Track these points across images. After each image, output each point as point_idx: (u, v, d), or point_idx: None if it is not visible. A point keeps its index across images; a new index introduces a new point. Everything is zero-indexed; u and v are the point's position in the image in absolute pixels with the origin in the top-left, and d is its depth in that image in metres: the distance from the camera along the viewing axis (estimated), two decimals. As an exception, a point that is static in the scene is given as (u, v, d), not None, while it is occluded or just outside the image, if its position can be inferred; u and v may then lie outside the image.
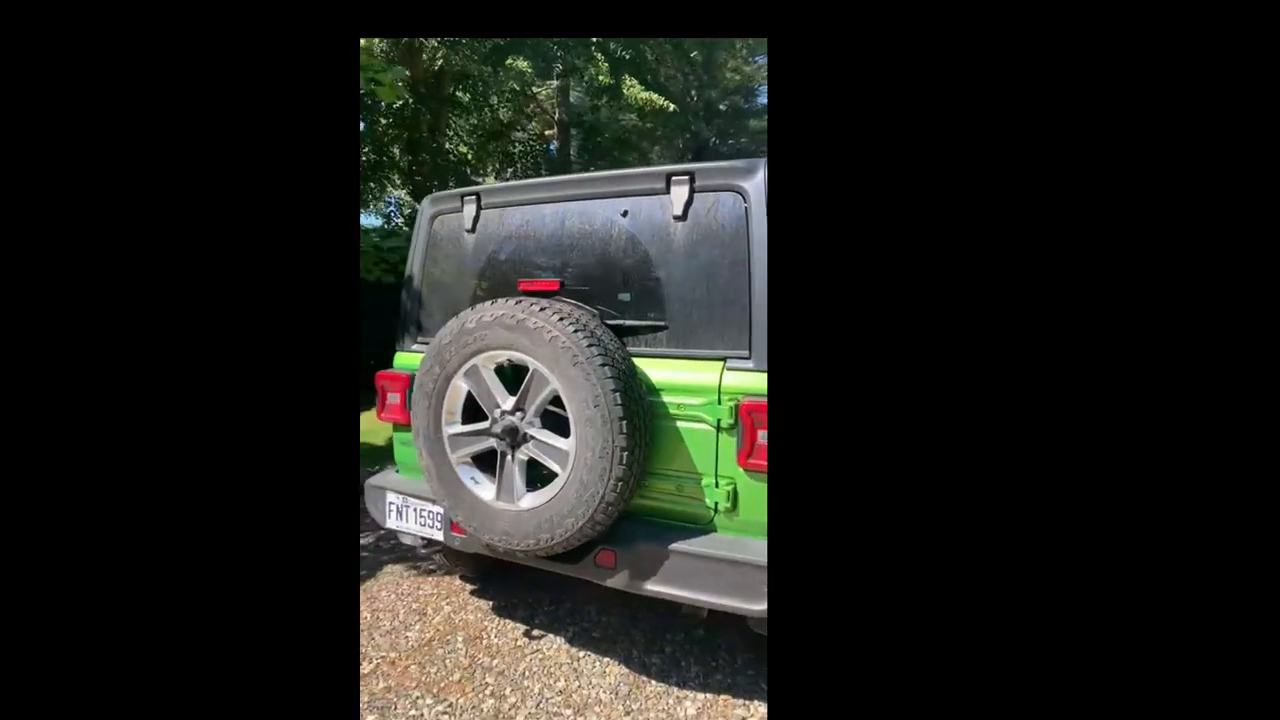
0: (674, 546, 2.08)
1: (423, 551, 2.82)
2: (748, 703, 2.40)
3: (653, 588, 2.12)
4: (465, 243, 2.65)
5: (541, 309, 2.07)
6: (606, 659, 2.66)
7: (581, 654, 2.70)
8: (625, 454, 1.95)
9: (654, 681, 2.52)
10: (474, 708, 2.34)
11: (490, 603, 3.09)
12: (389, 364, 2.84)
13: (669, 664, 2.65)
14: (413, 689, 2.44)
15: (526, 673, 2.56)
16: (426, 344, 2.59)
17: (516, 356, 2.12)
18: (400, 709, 2.34)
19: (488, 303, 2.21)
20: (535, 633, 2.85)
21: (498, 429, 2.18)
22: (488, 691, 2.44)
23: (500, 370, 2.22)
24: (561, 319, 2.03)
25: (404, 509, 2.64)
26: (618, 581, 2.17)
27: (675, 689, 2.48)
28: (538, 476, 2.20)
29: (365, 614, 3.00)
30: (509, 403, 2.17)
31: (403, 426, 2.72)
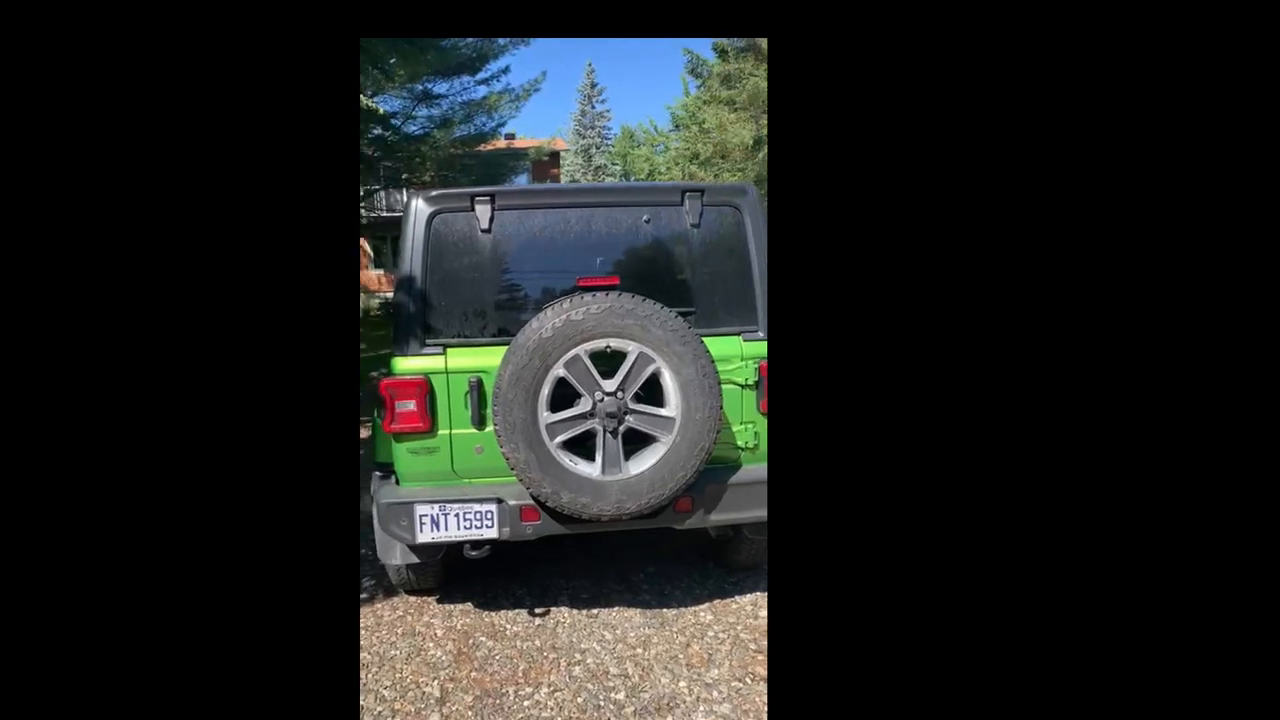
0: (730, 480, 2.65)
1: (473, 554, 2.66)
2: (741, 597, 3.10)
3: (717, 518, 2.65)
4: (480, 243, 2.61)
5: (642, 300, 2.37)
6: (616, 608, 3.03)
7: (594, 611, 3.00)
8: (719, 411, 2.45)
9: (670, 608, 3.01)
10: (569, 679, 2.52)
11: (465, 606, 3.08)
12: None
13: (677, 593, 3.16)
14: (502, 688, 2.47)
15: (570, 639, 2.78)
16: (439, 345, 2.53)
17: (618, 342, 2.37)
18: (514, 701, 2.38)
19: (583, 296, 2.37)
20: (538, 610, 3.01)
21: (602, 410, 2.39)
22: (561, 664, 2.61)
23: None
24: (662, 307, 2.38)
25: (441, 517, 2.53)
26: (693, 521, 2.63)
27: (688, 607, 3.02)
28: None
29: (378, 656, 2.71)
30: (611, 384, 2.40)
31: (411, 435, 2.56)
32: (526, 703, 2.38)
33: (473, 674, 2.54)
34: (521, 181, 16.45)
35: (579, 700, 2.38)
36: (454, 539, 2.55)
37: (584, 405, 2.41)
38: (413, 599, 3.13)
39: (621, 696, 2.40)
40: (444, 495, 2.55)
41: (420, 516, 2.52)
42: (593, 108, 34.23)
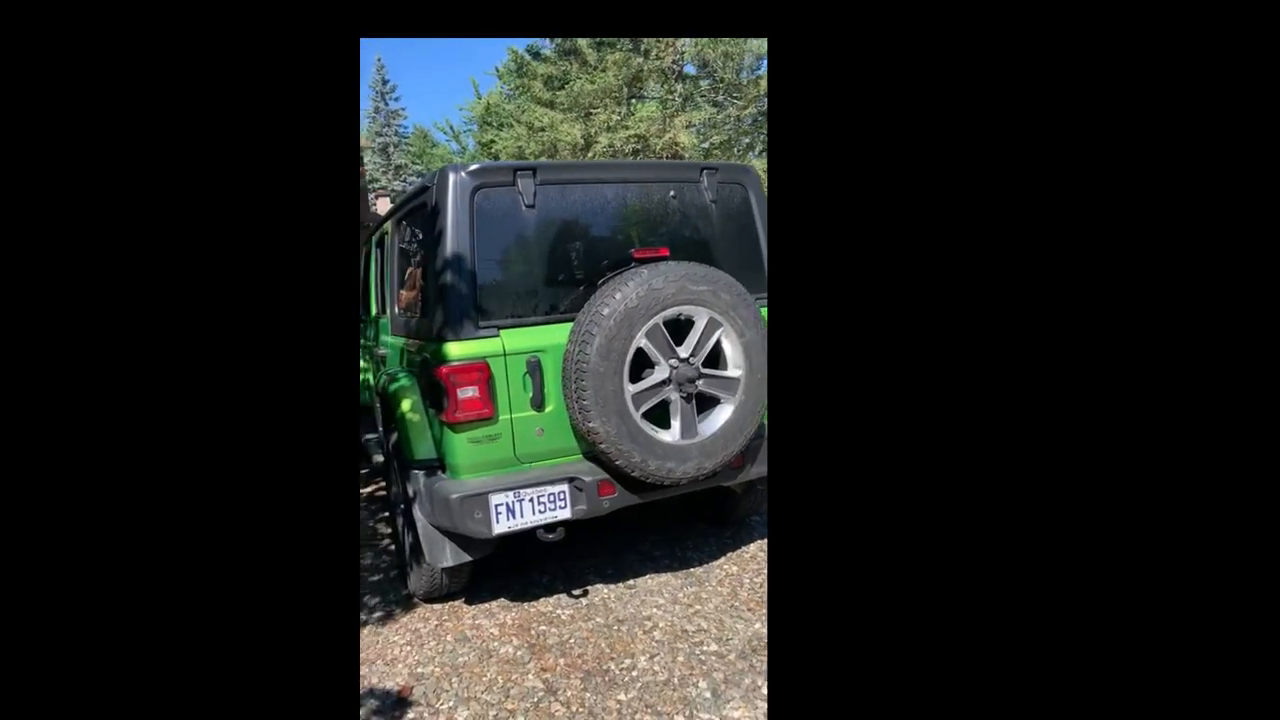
0: (763, 435, 2.89)
1: (549, 538, 2.50)
2: (747, 547, 3.37)
3: (757, 470, 2.87)
4: (526, 219, 2.52)
5: (710, 267, 2.51)
6: (646, 575, 3.12)
7: (630, 583, 3.06)
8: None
9: (695, 567, 3.18)
10: (657, 644, 2.58)
11: (500, 602, 2.95)
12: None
13: (692, 554, 3.31)
14: (602, 665, 2.45)
15: (629, 610, 2.82)
16: (493, 327, 2.46)
17: (690, 309, 2.47)
18: (619, 674, 2.39)
19: (659, 265, 2.43)
20: (575, 592, 2.99)
21: (678, 376, 2.48)
22: (639, 633, 2.66)
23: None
24: (726, 274, 2.54)
25: (516, 505, 2.42)
26: (745, 475, 2.81)
27: (712, 563, 3.21)
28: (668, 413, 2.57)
29: (448, 667, 2.49)
30: (686, 350, 2.49)
31: (473, 423, 2.43)
32: (634, 672, 2.40)
33: (562, 661, 2.49)
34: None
35: (680, 658, 2.45)
36: (530, 525, 2.47)
37: (660, 373, 2.48)
38: (437, 607, 2.93)
39: (715, 646, 2.52)
40: (514, 481, 2.46)
41: (496, 506, 2.41)
42: (386, 105, 32.18)
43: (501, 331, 2.49)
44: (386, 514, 4.03)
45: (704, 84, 11.22)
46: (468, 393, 2.39)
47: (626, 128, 10.17)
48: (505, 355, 2.48)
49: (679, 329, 2.48)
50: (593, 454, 2.62)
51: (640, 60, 10.65)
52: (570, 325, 2.49)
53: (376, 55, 33.57)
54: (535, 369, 2.52)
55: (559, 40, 11.17)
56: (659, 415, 2.50)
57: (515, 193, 2.52)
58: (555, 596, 2.97)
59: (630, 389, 2.40)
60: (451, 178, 2.45)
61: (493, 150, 11.98)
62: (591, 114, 10.59)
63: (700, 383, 2.54)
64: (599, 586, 3.04)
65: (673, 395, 2.50)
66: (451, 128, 17.87)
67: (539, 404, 2.54)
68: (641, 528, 3.60)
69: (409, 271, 3.14)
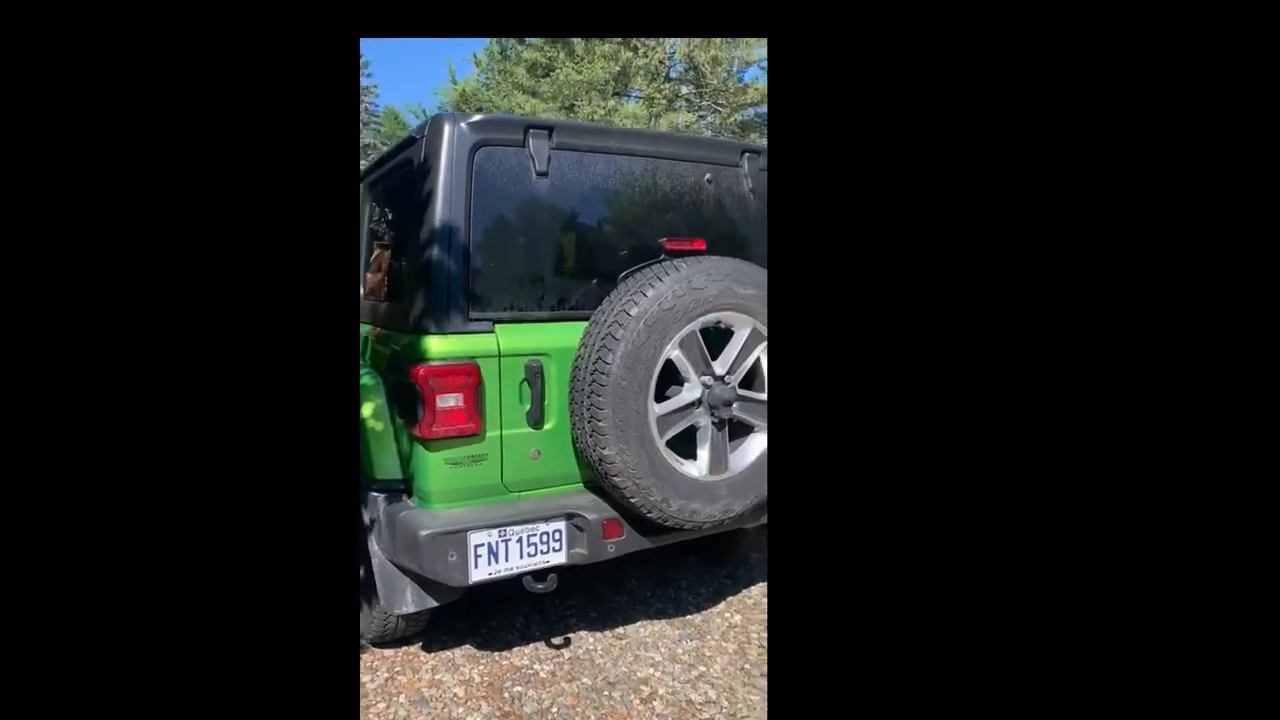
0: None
1: (538, 588, 2.01)
2: (750, 590, 2.96)
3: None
4: (536, 189, 2.04)
5: (760, 268, 2.07)
6: (637, 622, 2.68)
7: (619, 631, 2.61)
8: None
9: (692, 614, 2.75)
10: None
11: (463, 650, 2.45)
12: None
13: (685, 596, 2.88)
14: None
15: (619, 669, 2.37)
16: (486, 320, 1.98)
17: (730, 317, 2.04)
18: (623, 761, 1.93)
19: (700, 261, 1.98)
20: (555, 640, 2.53)
21: (711, 398, 2.03)
22: (634, 702, 2.20)
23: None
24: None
25: (501, 546, 1.94)
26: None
27: (710, 609, 2.79)
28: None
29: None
30: (721, 367, 2.05)
31: (453, 440, 1.94)
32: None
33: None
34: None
35: (689, 742, 2.01)
36: (515, 571, 1.99)
37: (690, 393, 2.03)
38: (389, 653, 2.41)
39: (727, 728, 2.09)
40: (501, 516, 1.97)
41: (476, 547, 1.92)
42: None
43: (497, 327, 2.01)
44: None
45: (685, 90, 10.89)
46: (449, 401, 1.89)
47: (611, 124, 9.74)
48: (500, 356, 2.00)
49: (710, 340, 2.05)
50: (594, 483, 2.16)
51: (629, 55, 10.24)
52: (583, 326, 2.02)
53: (349, 26, 32.34)
54: (536, 376, 2.04)
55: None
56: (680, 443, 2.06)
57: (525, 155, 2.04)
58: (532, 646, 2.49)
59: (655, 410, 1.95)
60: (447, 128, 1.96)
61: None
62: (575, 107, 10.11)
63: (736, 406, 2.09)
64: (583, 634, 2.57)
65: (703, 420, 2.06)
66: (424, 111, 17.19)
67: (537, 420, 2.07)
68: (624, 560, 3.13)
69: (376, 250, 2.62)
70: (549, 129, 2.07)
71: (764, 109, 12.18)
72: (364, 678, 2.27)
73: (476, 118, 1.99)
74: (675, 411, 2.01)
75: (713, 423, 2.07)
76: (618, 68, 10.27)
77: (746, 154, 2.44)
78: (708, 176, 2.36)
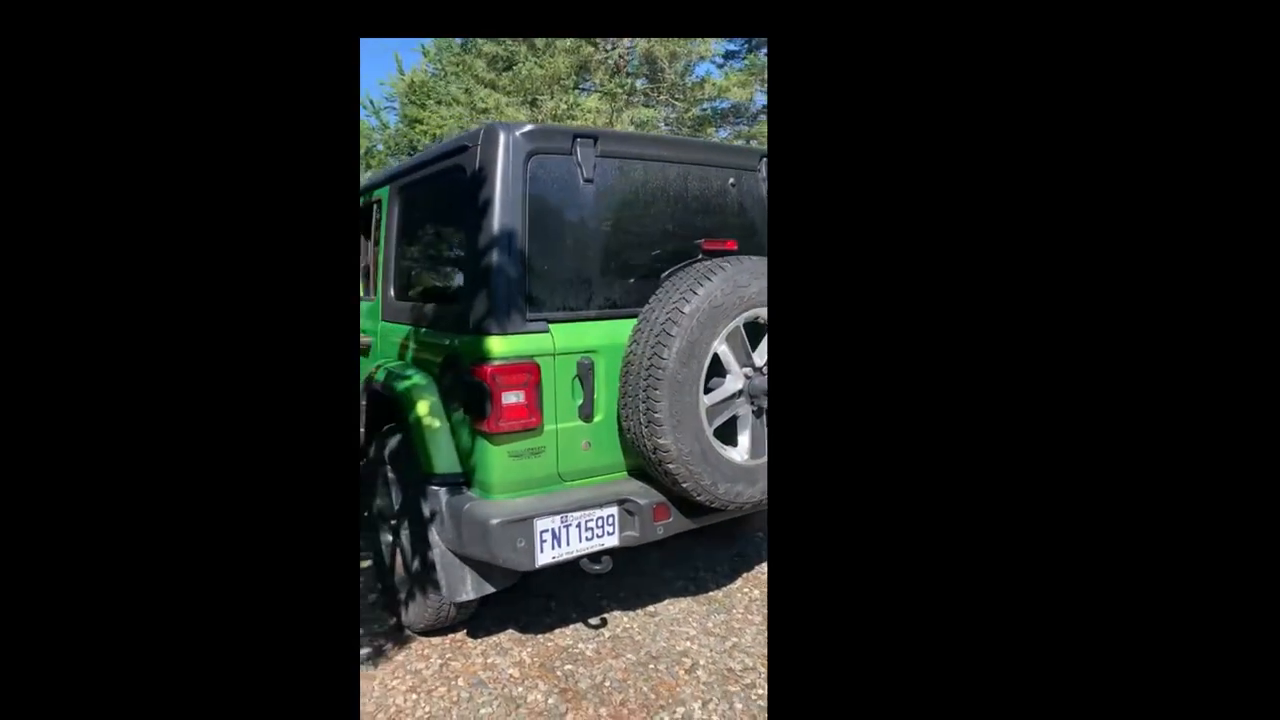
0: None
1: (595, 569, 2.12)
2: (761, 565, 3.16)
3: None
4: (583, 195, 2.16)
5: None
6: (665, 600, 2.83)
7: (650, 609, 2.76)
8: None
9: (714, 589, 2.94)
10: (704, 688, 2.30)
11: (507, 634, 2.57)
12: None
13: (705, 574, 3.05)
14: (651, 716, 2.14)
15: (658, 644, 2.53)
16: (541, 320, 2.12)
17: (767, 312, 2.21)
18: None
19: (742, 260, 2.14)
20: (593, 621, 2.66)
21: (752, 388, 2.20)
22: (680, 673, 2.37)
23: None
24: None
25: (563, 532, 2.07)
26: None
27: (730, 585, 2.98)
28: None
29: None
30: (760, 359, 2.22)
31: (516, 434, 2.06)
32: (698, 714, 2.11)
33: (603, 711, 2.15)
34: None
35: (737, 705, 2.18)
36: (575, 554, 2.12)
37: (733, 384, 2.19)
38: (437, 641, 2.50)
39: (765, 691, 2.27)
40: (560, 504, 2.10)
41: (542, 533, 2.04)
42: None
43: (551, 326, 2.13)
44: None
45: (639, 84, 11.01)
46: (512, 398, 2.01)
47: (574, 118, 9.77)
48: (555, 355, 2.12)
49: (747, 335, 2.22)
50: (640, 471, 2.30)
51: (590, 49, 10.29)
52: (626, 324, 2.16)
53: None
54: (587, 373, 2.17)
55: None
56: (723, 432, 2.22)
57: (573, 163, 2.16)
58: (571, 627, 2.62)
59: (705, 401, 2.10)
60: (503, 137, 2.07)
61: (422, 128, 11.19)
62: (538, 101, 10.11)
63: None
64: (617, 614, 2.72)
65: (743, 409, 2.23)
66: (371, 102, 16.76)
67: (588, 414, 2.20)
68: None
69: (409, 251, 2.69)
70: (594, 138, 2.19)
71: (720, 104, 12.46)
72: (419, 665, 2.37)
73: (529, 127, 2.10)
74: (721, 402, 2.17)
75: (752, 411, 2.24)
76: (579, 61, 10.31)
77: (764, 159, 2.61)
78: (731, 180, 2.52)
